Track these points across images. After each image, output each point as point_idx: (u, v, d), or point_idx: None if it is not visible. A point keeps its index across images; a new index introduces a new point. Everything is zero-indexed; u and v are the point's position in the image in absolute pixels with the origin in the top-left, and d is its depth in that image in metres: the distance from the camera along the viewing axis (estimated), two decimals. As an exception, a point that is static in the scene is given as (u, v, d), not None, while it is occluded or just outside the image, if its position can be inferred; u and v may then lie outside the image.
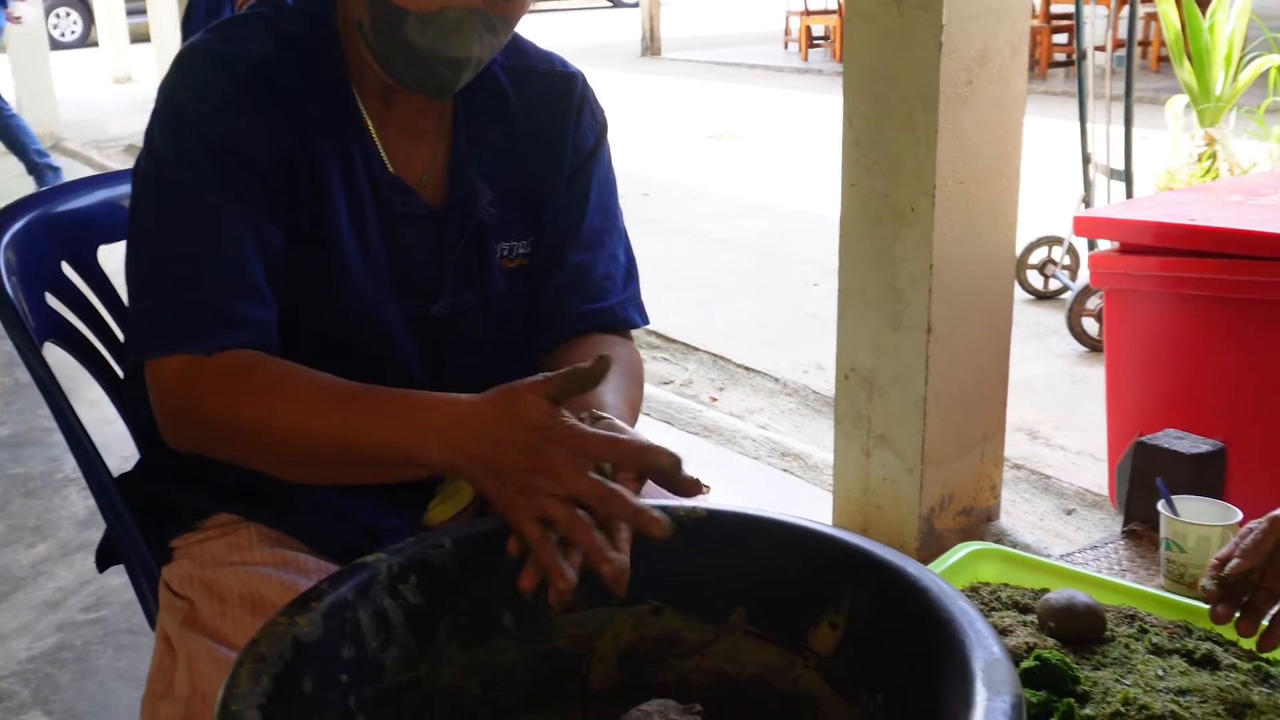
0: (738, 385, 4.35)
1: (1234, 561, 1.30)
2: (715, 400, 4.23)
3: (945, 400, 2.75)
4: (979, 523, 2.88)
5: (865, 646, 1.18)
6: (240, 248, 1.24)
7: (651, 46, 17.77)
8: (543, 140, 1.42)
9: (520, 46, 1.43)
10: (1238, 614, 1.31)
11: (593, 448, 1.06)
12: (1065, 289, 4.97)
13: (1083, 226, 3.01)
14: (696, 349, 4.66)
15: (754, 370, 4.41)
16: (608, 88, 13.45)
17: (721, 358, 4.55)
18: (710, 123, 10.92)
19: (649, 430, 3.77)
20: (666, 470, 1.08)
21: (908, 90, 2.59)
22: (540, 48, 1.46)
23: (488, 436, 1.10)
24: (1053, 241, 5.11)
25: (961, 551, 1.62)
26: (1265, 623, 1.31)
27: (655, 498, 1.25)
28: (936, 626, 1.08)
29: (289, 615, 1.10)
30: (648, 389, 4.31)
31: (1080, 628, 1.40)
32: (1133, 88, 4.39)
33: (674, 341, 4.75)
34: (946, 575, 1.57)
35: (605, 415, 1.16)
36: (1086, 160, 4.74)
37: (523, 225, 1.41)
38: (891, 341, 2.75)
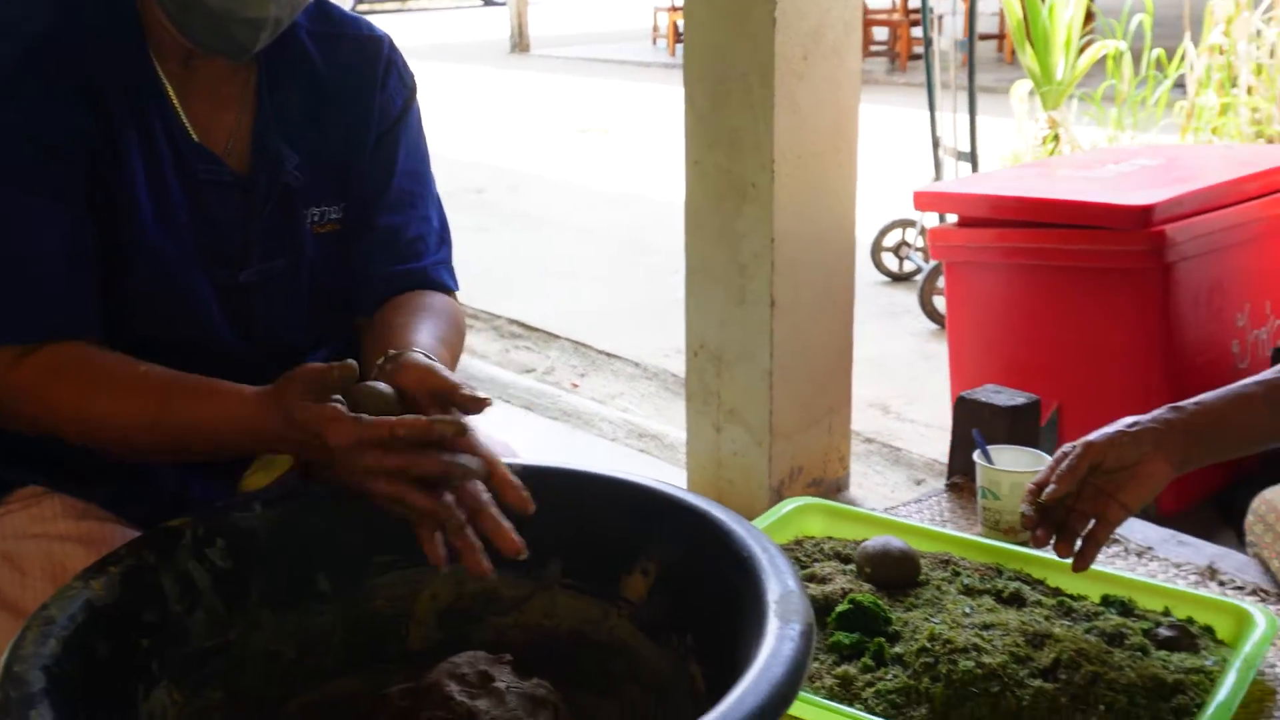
0: (599, 371, 4.36)
1: (1050, 487, 1.34)
2: (577, 386, 4.24)
3: (791, 373, 2.79)
4: (829, 494, 2.93)
5: (675, 591, 1.20)
6: (50, 238, 1.22)
7: (520, 43, 17.76)
8: (349, 104, 1.41)
9: (326, 11, 1.42)
10: (1055, 538, 1.36)
11: (370, 435, 1.06)
12: (919, 270, 5.08)
13: (922, 201, 3.09)
14: (558, 337, 4.66)
15: (615, 356, 4.42)
16: (476, 84, 13.39)
17: (583, 344, 4.56)
18: (578, 117, 10.92)
19: (509, 417, 3.75)
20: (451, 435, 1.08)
21: (745, 66, 2.62)
22: (347, 12, 1.45)
23: (277, 435, 1.14)
24: (906, 224, 5.22)
25: (787, 507, 1.65)
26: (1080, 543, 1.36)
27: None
28: (739, 565, 1.10)
29: (84, 579, 1.08)
30: (509, 377, 4.30)
31: (895, 572, 1.44)
32: (975, 72, 4.52)
33: (536, 330, 4.75)
34: (772, 529, 1.59)
35: (400, 353, 1.18)
36: (936, 144, 4.87)
37: (332, 190, 1.40)
38: (737, 316, 2.78)
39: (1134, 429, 1.34)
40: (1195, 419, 1.35)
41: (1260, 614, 1.35)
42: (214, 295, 1.33)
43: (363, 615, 1.28)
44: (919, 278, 4.83)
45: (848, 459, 3.03)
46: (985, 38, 13.29)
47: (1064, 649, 1.25)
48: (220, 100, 1.34)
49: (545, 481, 1.30)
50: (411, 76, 1.48)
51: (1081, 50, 5.19)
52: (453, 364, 1.35)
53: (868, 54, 14.02)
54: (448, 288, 1.47)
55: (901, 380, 4.11)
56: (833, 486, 2.97)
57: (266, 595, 1.22)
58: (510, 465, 1.28)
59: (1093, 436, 1.36)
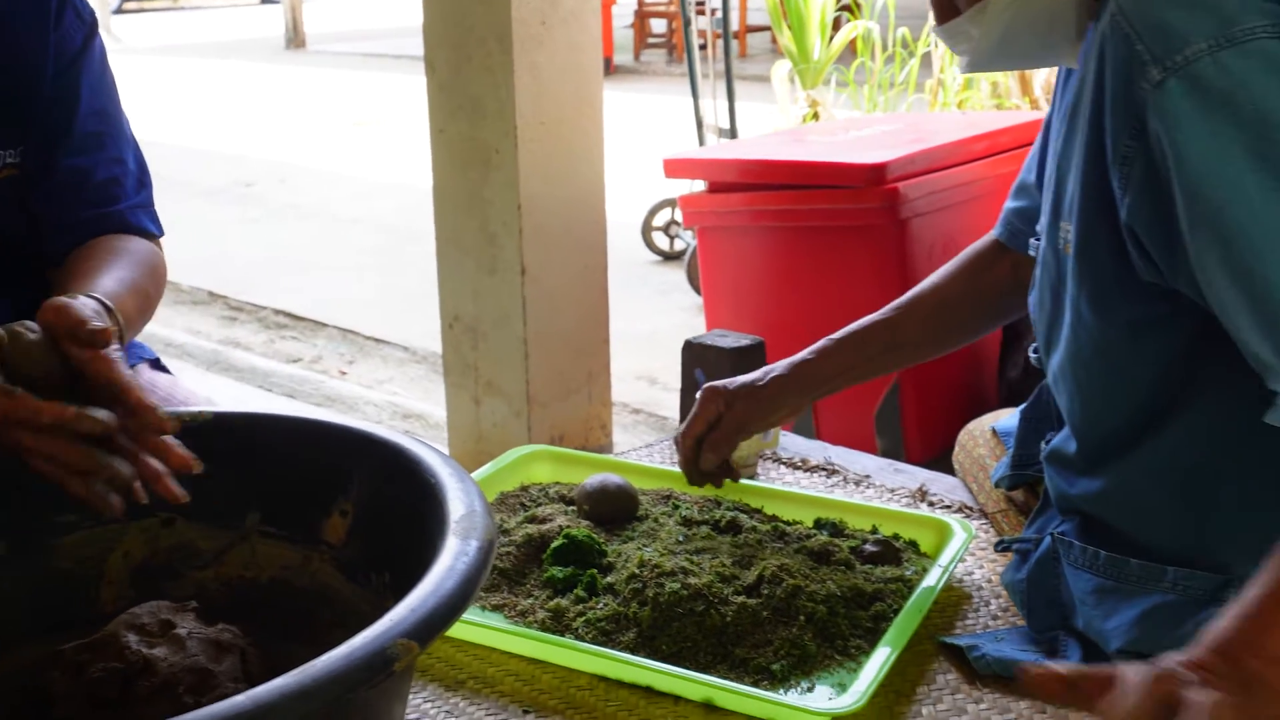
0: (368, 357, 4.28)
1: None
2: (345, 374, 4.15)
3: (546, 342, 2.78)
4: (591, 461, 2.94)
5: (372, 529, 1.17)
6: None
7: (295, 39, 17.36)
8: (22, 44, 1.33)
9: None
10: None
11: (15, 414, 1.01)
12: (689, 247, 5.16)
13: (672, 168, 3.12)
14: (325, 325, 4.56)
15: (384, 341, 4.35)
16: (250, 80, 12.98)
17: (351, 332, 4.47)
18: (354, 111, 10.72)
19: (269, 405, 3.63)
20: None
21: (484, 32, 2.60)
22: None
23: None
24: (674, 204, 5.29)
25: (513, 455, 1.64)
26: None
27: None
28: (427, 494, 1.08)
29: None
30: (272, 366, 4.18)
31: (613, 508, 1.44)
32: (731, 48, 4.61)
33: (302, 319, 4.63)
34: (498, 476, 1.58)
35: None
36: (700, 123, 4.96)
37: (7, 133, 1.32)
38: (489, 286, 2.76)
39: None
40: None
41: (959, 526, 1.40)
42: None
43: (48, 578, 1.21)
44: (688, 254, 4.90)
45: (610, 426, 3.04)
46: (757, 29, 13.62)
47: (767, 566, 1.27)
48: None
49: (239, 430, 1.26)
50: (91, 12, 1.41)
51: (835, 30, 5.36)
52: (141, 310, 1.29)
53: (646, 46, 14.17)
54: (149, 232, 1.41)
55: (670, 352, 4.12)
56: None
57: (-65, 561, 1.14)
58: (199, 414, 1.24)
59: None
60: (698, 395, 1.43)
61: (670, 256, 5.38)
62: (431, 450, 1.14)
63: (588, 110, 2.76)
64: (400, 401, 3.70)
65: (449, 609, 0.88)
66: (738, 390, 1.41)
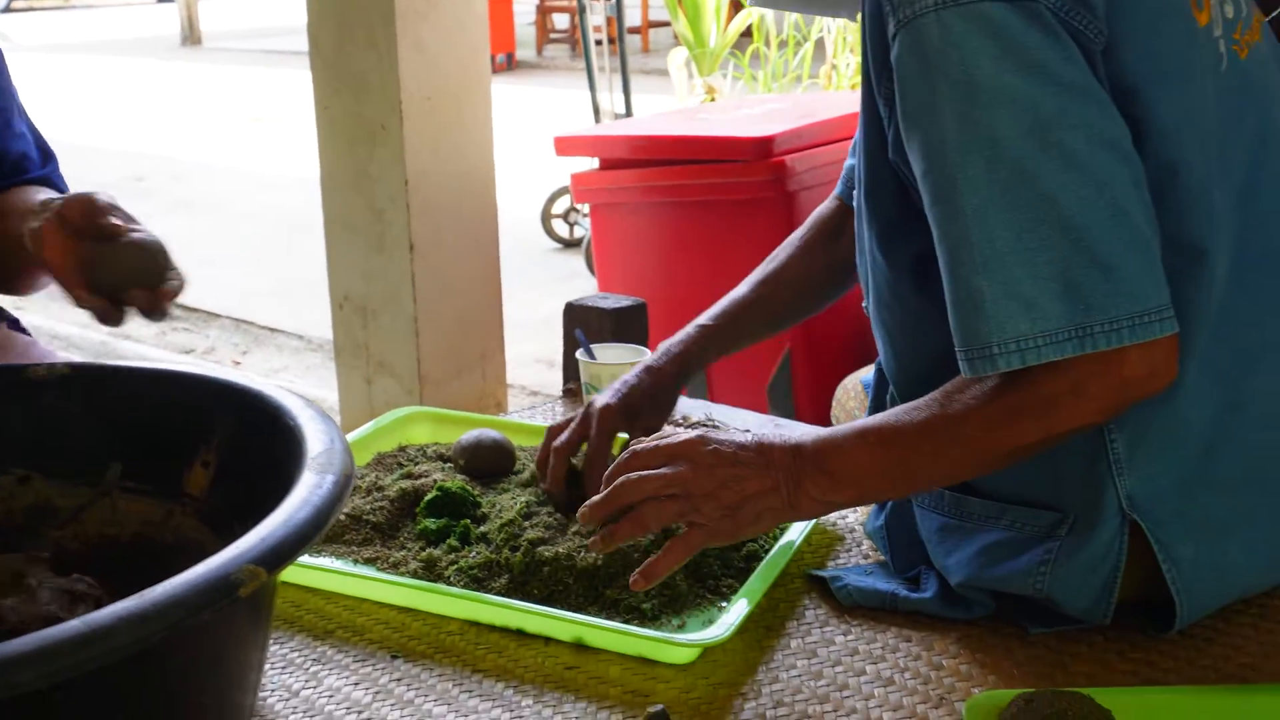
0: (262, 347, 4.22)
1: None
2: (239, 364, 4.09)
3: (437, 319, 2.76)
4: (486, 440, 2.92)
5: (235, 479, 1.15)
6: None
7: (191, 36, 17.08)
8: None
9: None
10: None
11: None
12: (588, 234, 5.16)
13: (563, 146, 3.11)
14: (219, 316, 4.49)
15: (278, 331, 4.30)
16: (144, 78, 12.76)
17: (245, 322, 4.40)
18: (251, 107, 10.56)
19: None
20: None
21: (367, 6, 2.57)
22: None
23: None
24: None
25: (391, 416, 1.63)
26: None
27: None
28: (290, 440, 1.06)
29: None
30: (163, 356, 4.10)
31: (488, 462, 1.44)
32: (625, 32, 4.62)
33: (195, 310, 4.55)
34: (374, 437, 1.57)
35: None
36: (596, 109, 4.97)
37: None
38: (378, 264, 2.73)
39: None
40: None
41: (832, 471, 1.42)
42: None
43: (-105, 540, 1.17)
44: (586, 240, 4.91)
45: (506, 405, 3.02)
46: (660, 25, 13.68)
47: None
48: None
49: (96, 382, 1.23)
50: None
51: (731, 17, 5.40)
52: None
53: (549, 41, 14.15)
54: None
55: (568, 336, 4.15)
56: (490, 433, 2.96)
57: None
58: (54, 367, 1.21)
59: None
60: (590, 416, 1.33)
61: (570, 244, 5.38)
62: (292, 395, 1.13)
63: (474, 85, 2.74)
64: (294, 388, 3.65)
65: (299, 538, 0.87)
66: (632, 402, 1.35)
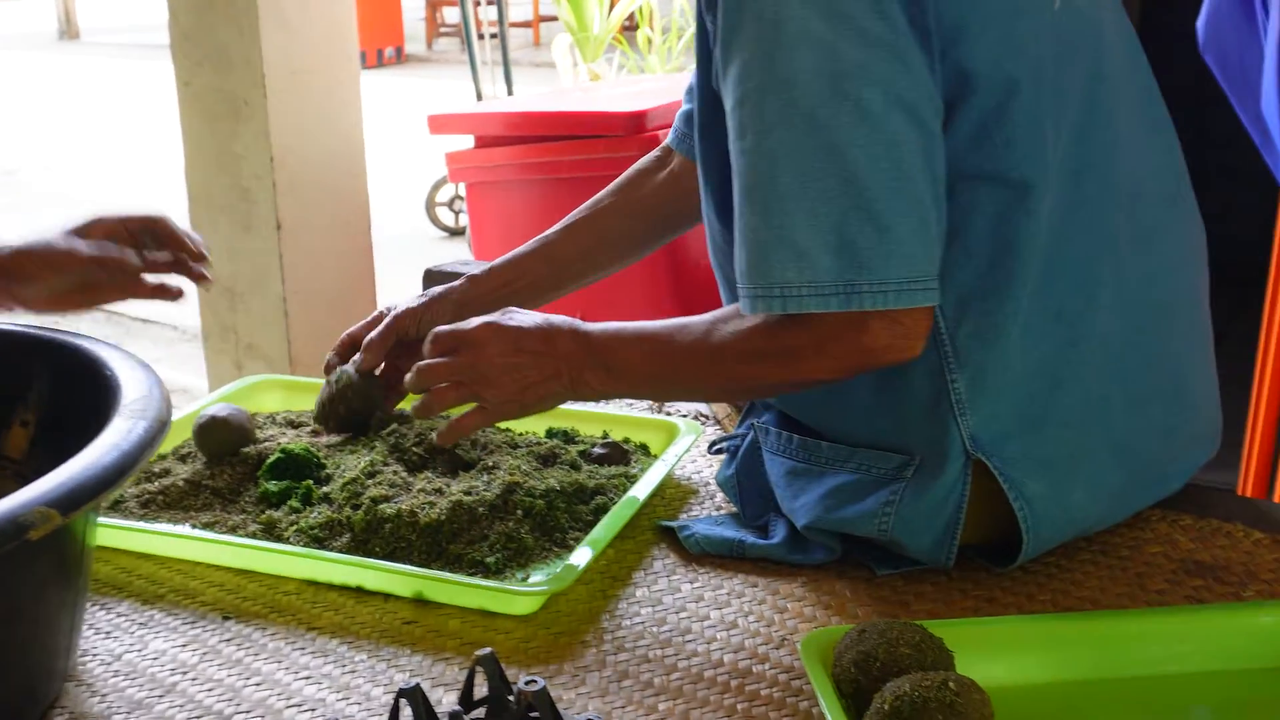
0: (136, 339, 4.11)
1: None
2: (110, 356, 3.97)
3: (307, 300, 2.71)
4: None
5: (55, 438, 1.10)
6: None
7: (69, 31, 16.68)
8: None
9: None
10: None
11: None
12: (473, 221, 5.12)
13: (436, 124, 3.07)
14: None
15: (152, 322, 4.18)
16: (17, 71, 12.38)
17: (116, 313, 4.27)
18: (129, 100, 10.30)
19: None
20: None
21: (226, -23, 2.51)
22: None
23: None
24: (458, 178, 5.24)
25: (243, 383, 1.58)
26: None
27: None
28: (111, 393, 1.02)
29: None
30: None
31: (350, 408, 1.37)
32: (505, 17, 4.59)
33: (63, 304, 4.41)
34: (225, 402, 1.51)
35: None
36: (479, 94, 4.93)
37: None
38: (245, 244, 2.67)
39: None
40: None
41: (687, 427, 1.40)
42: None
43: None
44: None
45: (381, 388, 2.97)
46: (551, 19, 13.62)
47: (483, 467, 1.25)
48: None
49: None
50: None
51: (615, 2, 5.38)
52: None
53: (440, 34, 14.02)
54: None
55: (451, 322, 4.11)
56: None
57: None
58: None
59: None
60: (383, 316, 1.36)
61: (456, 232, 5.32)
62: (113, 348, 1.09)
63: (343, 61, 2.69)
64: (168, 379, 3.56)
65: (99, 482, 0.83)
66: (434, 310, 1.35)
